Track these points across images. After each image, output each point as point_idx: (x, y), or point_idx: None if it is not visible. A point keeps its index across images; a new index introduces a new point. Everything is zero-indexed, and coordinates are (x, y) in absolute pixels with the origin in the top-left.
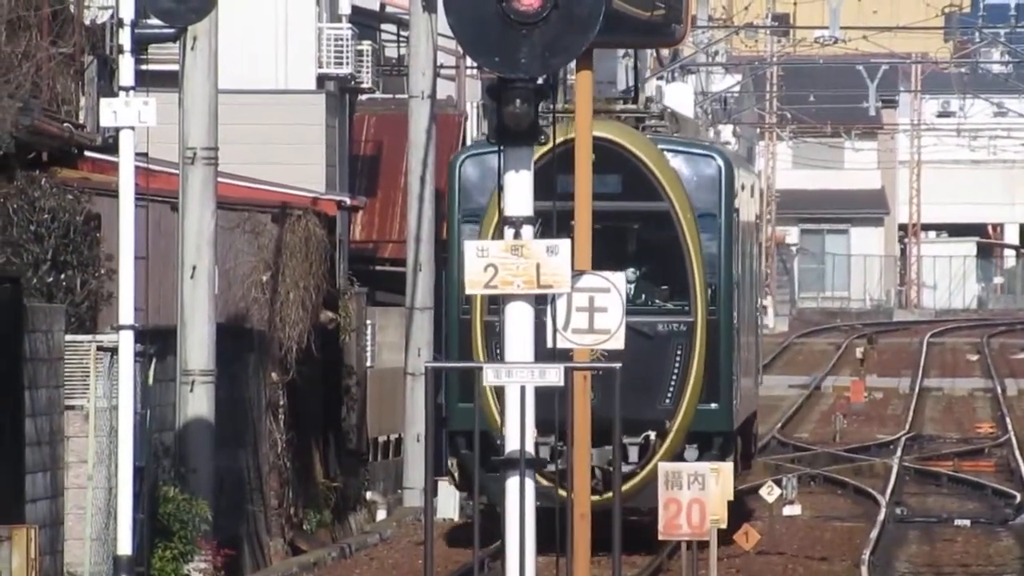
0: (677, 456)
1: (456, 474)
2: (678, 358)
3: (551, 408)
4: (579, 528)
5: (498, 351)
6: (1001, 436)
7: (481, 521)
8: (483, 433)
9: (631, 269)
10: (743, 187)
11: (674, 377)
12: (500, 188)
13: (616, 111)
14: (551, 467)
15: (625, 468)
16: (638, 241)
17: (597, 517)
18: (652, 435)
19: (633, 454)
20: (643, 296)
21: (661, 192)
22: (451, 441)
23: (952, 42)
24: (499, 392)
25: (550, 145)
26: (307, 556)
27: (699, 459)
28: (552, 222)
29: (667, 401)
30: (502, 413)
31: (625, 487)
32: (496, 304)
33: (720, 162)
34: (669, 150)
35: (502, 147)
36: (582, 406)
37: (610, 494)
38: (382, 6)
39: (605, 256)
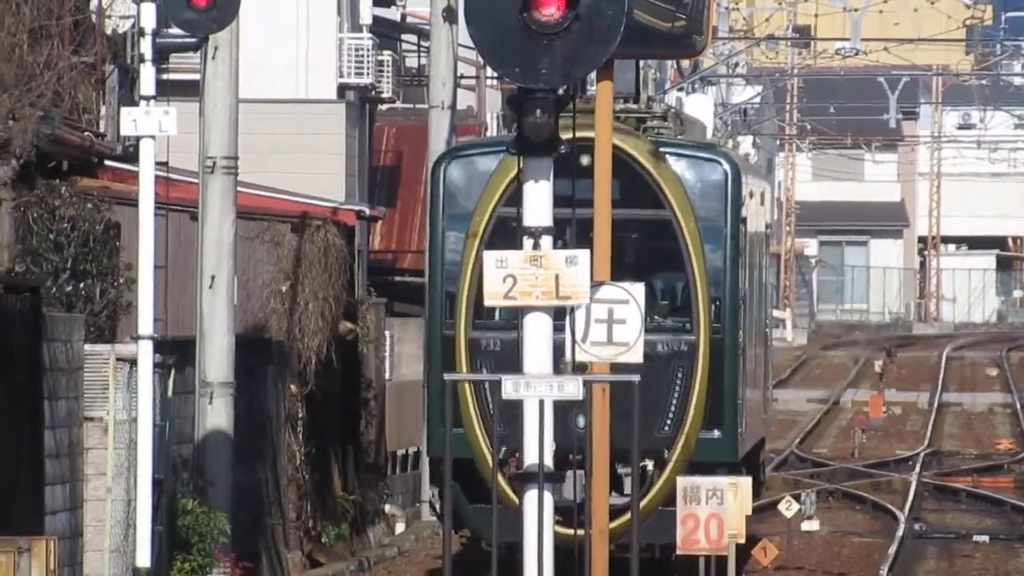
0: (672, 491)
1: (437, 506)
2: (679, 381)
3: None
4: (597, 544)
5: (484, 370)
6: (1020, 452)
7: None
8: (467, 461)
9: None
10: (751, 194)
11: (674, 402)
12: (503, 193)
13: (615, 111)
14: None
15: (620, 501)
16: (636, 252)
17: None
18: (650, 465)
19: (629, 485)
20: None
21: (662, 199)
22: (432, 469)
23: (973, 54)
24: (484, 416)
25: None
26: (325, 569)
27: None
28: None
29: (666, 428)
30: (488, 437)
31: (620, 521)
32: (481, 319)
33: (727, 167)
34: (672, 153)
35: (522, 157)
36: (601, 419)
37: (614, 524)
38: (403, 16)
39: None
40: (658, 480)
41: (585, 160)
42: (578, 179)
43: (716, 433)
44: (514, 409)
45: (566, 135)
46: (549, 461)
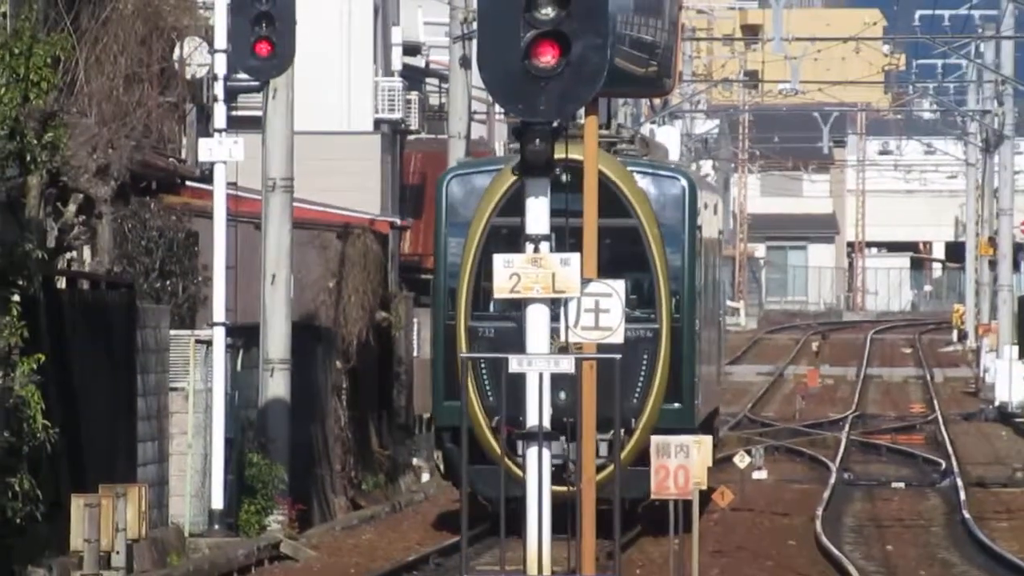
0: (643, 451)
1: (442, 466)
2: (644, 361)
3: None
4: (586, 492)
5: (480, 352)
6: (930, 415)
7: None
8: (467, 429)
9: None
10: (706, 206)
11: (641, 378)
12: (495, 205)
13: (565, 128)
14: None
15: (598, 461)
16: (609, 254)
17: (575, 507)
18: (622, 432)
19: (603, 449)
20: None
21: (630, 209)
22: (437, 436)
23: (891, 93)
24: (480, 391)
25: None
26: (365, 511)
27: None
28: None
29: (634, 401)
30: (486, 410)
31: (598, 477)
32: (479, 311)
33: (684, 183)
34: (638, 171)
35: (524, 178)
36: (589, 388)
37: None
38: (427, 63)
39: None
40: (628, 444)
41: (565, 177)
42: (559, 193)
43: (676, 405)
44: (507, 385)
45: (559, 155)
46: (547, 423)
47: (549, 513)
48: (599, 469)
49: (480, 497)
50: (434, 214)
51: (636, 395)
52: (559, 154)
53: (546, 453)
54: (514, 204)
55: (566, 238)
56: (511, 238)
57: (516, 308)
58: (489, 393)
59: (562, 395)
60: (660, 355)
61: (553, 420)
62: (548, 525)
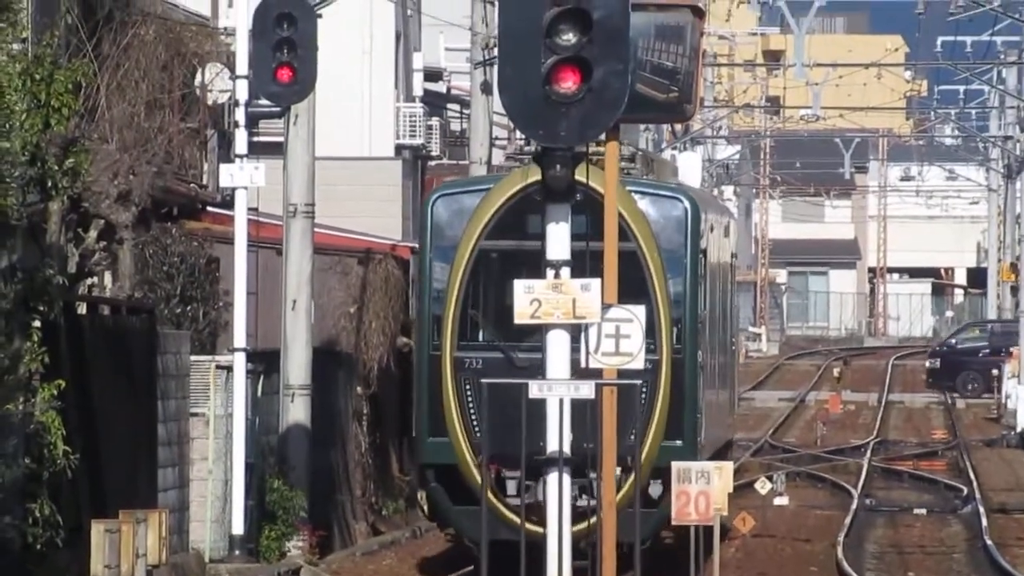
0: (642, 491)
1: (426, 507)
2: (643, 394)
3: (518, 442)
4: (607, 516)
5: (468, 388)
6: (952, 441)
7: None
8: (451, 467)
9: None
10: (712, 228)
11: (639, 414)
12: (484, 227)
13: (588, 154)
14: (516, 501)
15: (592, 503)
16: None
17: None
18: (618, 470)
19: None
20: None
21: (628, 232)
22: (421, 475)
23: (912, 120)
24: (467, 426)
25: (520, 185)
26: (386, 536)
27: (662, 494)
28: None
29: (631, 438)
30: (473, 447)
31: (589, 522)
32: (465, 340)
33: (686, 204)
34: (637, 192)
35: (545, 203)
36: (609, 414)
37: (582, 525)
38: (448, 89)
39: None
40: (625, 484)
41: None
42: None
43: (678, 442)
44: (497, 420)
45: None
46: (567, 448)
47: (569, 547)
48: (591, 512)
49: (467, 540)
50: (419, 237)
51: (634, 431)
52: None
53: (566, 480)
54: (503, 226)
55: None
56: (500, 262)
57: (505, 338)
58: (476, 429)
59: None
60: (660, 389)
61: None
62: (568, 558)
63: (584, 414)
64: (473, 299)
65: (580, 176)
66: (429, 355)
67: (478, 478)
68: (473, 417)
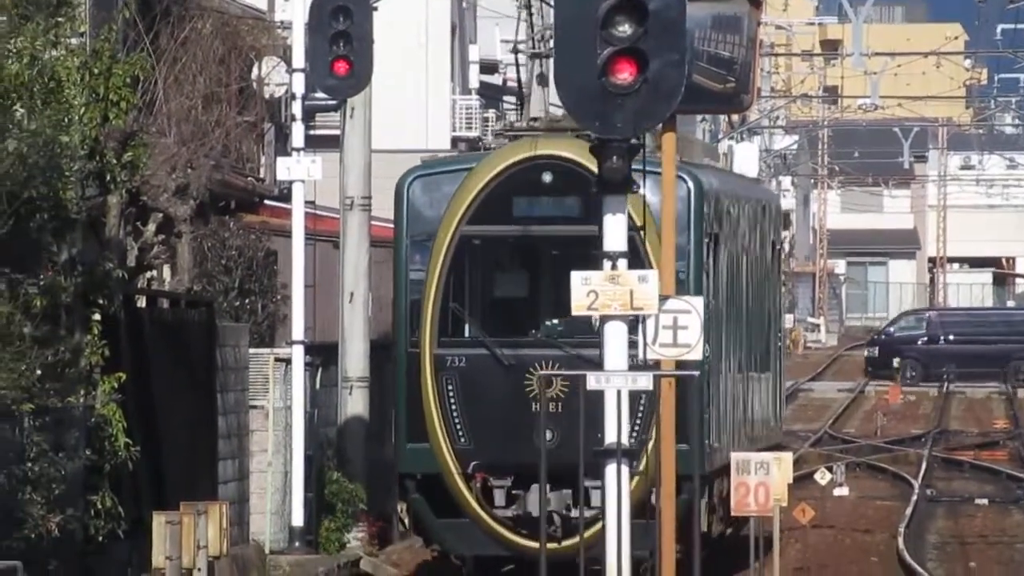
0: (644, 499)
1: (407, 519)
2: (643, 395)
3: (510, 450)
4: (666, 507)
5: (449, 386)
6: (1014, 431)
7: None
8: (434, 476)
9: None
10: (729, 211)
11: (639, 414)
12: (464, 212)
13: (578, 127)
14: (507, 512)
15: (587, 513)
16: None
17: (555, 569)
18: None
19: (596, 498)
20: None
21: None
22: (400, 484)
23: (972, 108)
24: (450, 432)
25: (504, 164)
26: None
27: None
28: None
29: (631, 441)
30: (457, 455)
31: (592, 531)
32: (446, 336)
33: (690, 184)
34: (635, 170)
35: (602, 195)
36: (668, 406)
37: (571, 542)
38: (504, 81)
39: (563, 286)
40: (633, 486)
41: (547, 177)
42: (539, 196)
43: (682, 446)
44: (480, 424)
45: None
46: (625, 440)
47: (628, 541)
48: (591, 523)
49: (452, 556)
50: (394, 223)
51: (633, 435)
52: (531, 151)
53: (624, 471)
54: (487, 210)
55: (549, 252)
56: (484, 250)
57: (491, 333)
58: (461, 435)
59: (549, 435)
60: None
61: (535, 466)
62: (628, 553)
63: (584, 414)
64: (455, 291)
65: (568, 152)
66: (407, 352)
67: (462, 488)
68: (456, 421)
